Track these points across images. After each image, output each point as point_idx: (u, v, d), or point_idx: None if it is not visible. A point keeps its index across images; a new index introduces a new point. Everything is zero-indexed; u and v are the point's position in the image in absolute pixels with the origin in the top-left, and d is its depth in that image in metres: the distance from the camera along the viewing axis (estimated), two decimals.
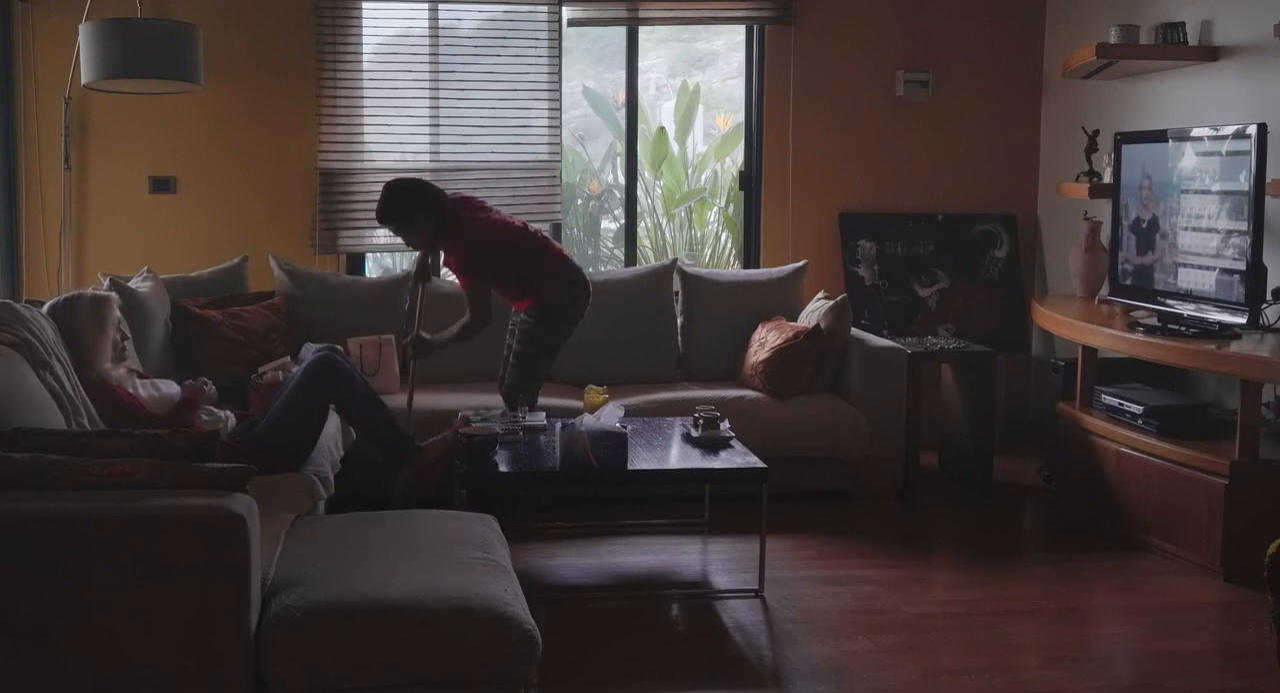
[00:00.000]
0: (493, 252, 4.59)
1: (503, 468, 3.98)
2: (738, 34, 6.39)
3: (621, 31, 6.10)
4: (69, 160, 5.62)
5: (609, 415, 4.05)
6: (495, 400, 4.76)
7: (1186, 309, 4.48)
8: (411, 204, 4.55)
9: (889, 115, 6.20)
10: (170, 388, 4.17)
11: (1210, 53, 4.99)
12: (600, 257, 7.77)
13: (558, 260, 4.73)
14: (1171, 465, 4.36)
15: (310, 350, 4.73)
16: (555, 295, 4.66)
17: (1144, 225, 4.82)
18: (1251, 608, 3.84)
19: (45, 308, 3.97)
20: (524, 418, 4.46)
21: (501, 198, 5.93)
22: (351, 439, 4.49)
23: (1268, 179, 4.20)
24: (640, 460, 4.08)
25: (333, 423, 4.27)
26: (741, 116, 6.41)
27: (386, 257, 6.96)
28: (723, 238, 7.49)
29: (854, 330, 5.34)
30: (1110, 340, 4.66)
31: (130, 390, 3.95)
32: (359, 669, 2.51)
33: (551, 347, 4.71)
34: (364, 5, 5.77)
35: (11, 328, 3.56)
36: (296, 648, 2.49)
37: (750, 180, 6.27)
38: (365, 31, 5.79)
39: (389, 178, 5.77)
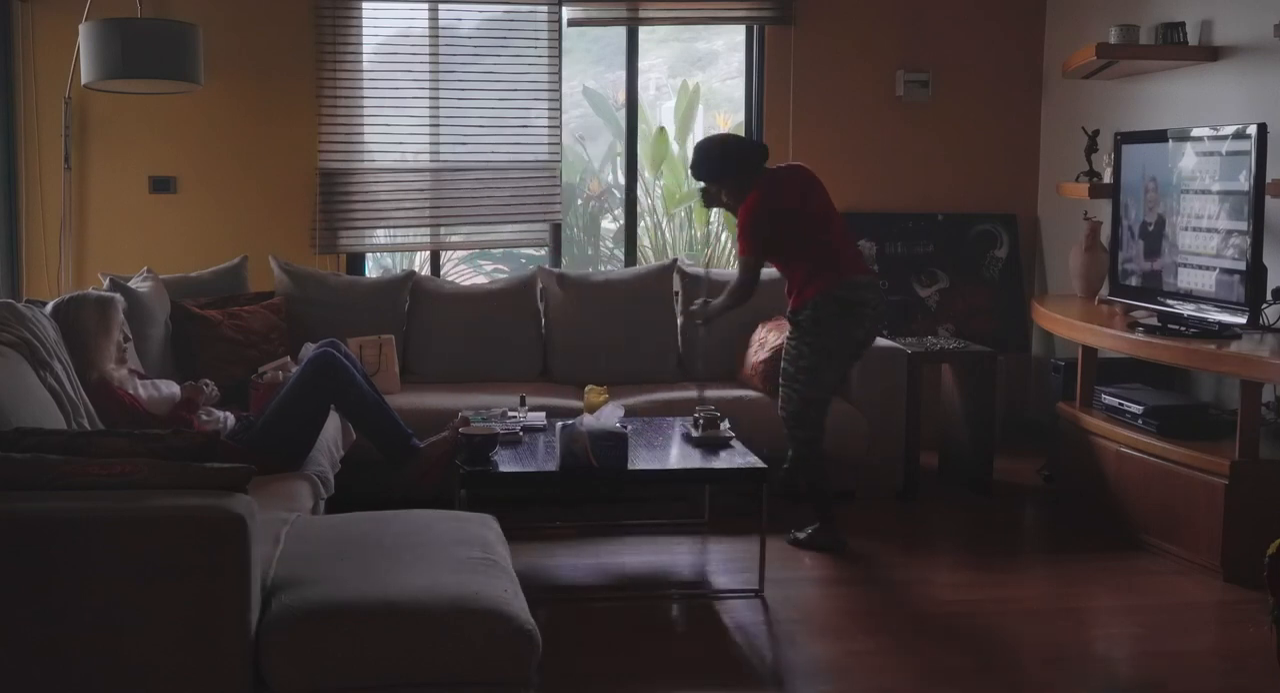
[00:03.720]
0: (765, 220, 4.41)
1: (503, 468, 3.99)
2: (738, 34, 6.39)
3: (621, 31, 6.10)
4: (69, 160, 5.62)
5: (609, 415, 4.04)
6: (495, 400, 4.75)
7: (1187, 309, 4.49)
8: (715, 170, 4.54)
9: (889, 115, 6.20)
10: (170, 388, 4.17)
11: (1210, 53, 4.99)
12: (600, 257, 7.78)
13: (837, 262, 4.39)
14: (1171, 465, 4.36)
15: (310, 351, 4.73)
16: (817, 299, 4.35)
17: (1144, 225, 4.82)
18: (1251, 608, 3.84)
19: (49, 307, 3.97)
20: (523, 417, 4.47)
21: (501, 198, 5.95)
22: (352, 439, 4.48)
23: (1268, 179, 4.20)
24: (640, 460, 4.07)
25: (333, 423, 4.27)
26: (741, 116, 6.40)
27: (386, 257, 6.97)
28: (723, 238, 7.49)
29: None
30: (1110, 340, 4.66)
31: (131, 392, 3.95)
32: (359, 669, 2.51)
33: (804, 368, 4.37)
34: (364, 5, 5.78)
35: (12, 328, 3.57)
36: (296, 648, 2.48)
37: None
38: (365, 31, 5.79)
39: (389, 178, 5.86)
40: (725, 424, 4.37)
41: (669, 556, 4.45)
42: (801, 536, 4.47)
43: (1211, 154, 4.43)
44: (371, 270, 6.29)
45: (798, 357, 4.39)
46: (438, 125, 5.91)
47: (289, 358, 4.66)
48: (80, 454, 2.60)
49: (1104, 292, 5.29)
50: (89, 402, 3.78)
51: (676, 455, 4.23)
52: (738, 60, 6.61)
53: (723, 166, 4.52)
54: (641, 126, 6.58)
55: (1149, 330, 4.53)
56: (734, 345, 5.42)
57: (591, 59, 7.69)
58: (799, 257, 4.43)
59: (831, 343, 4.36)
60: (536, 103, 5.96)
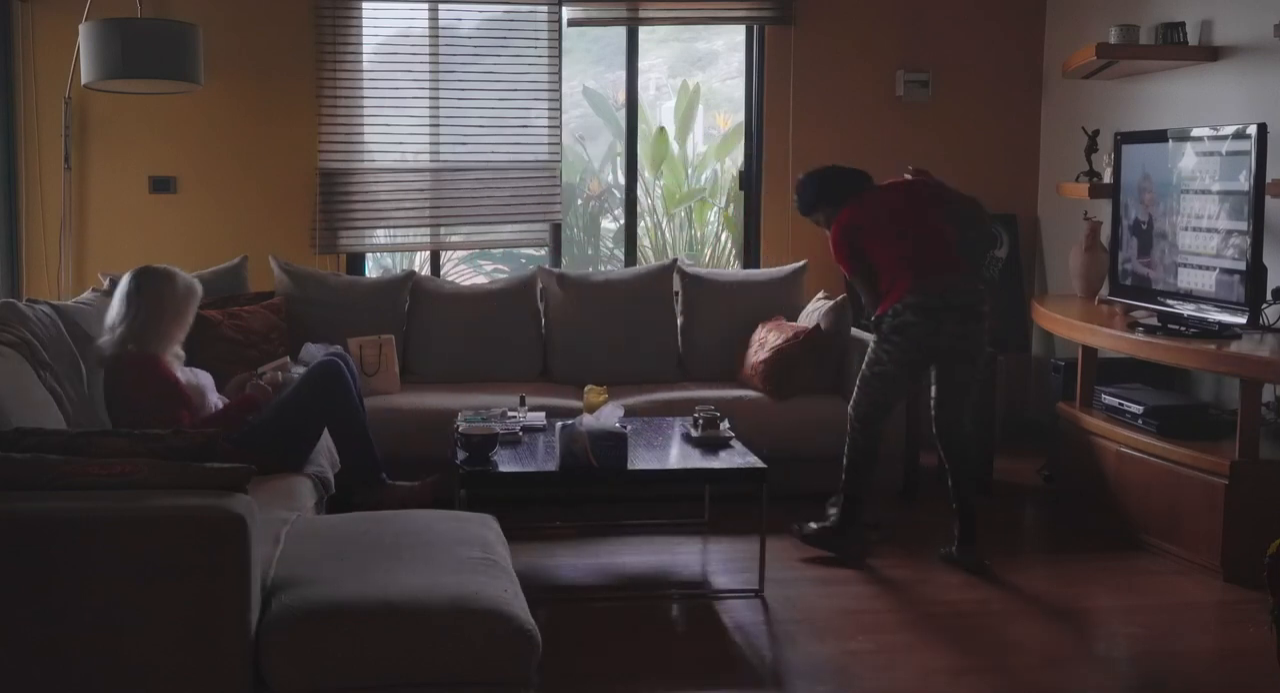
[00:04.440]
0: (845, 239, 4.42)
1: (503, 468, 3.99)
2: (738, 34, 6.39)
3: (621, 31, 6.10)
4: (69, 160, 5.62)
5: (609, 415, 4.04)
6: (495, 400, 4.75)
7: (1186, 309, 4.49)
8: (807, 203, 4.60)
9: (889, 115, 6.20)
10: (204, 378, 4.15)
11: (1210, 53, 4.99)
12: (600, 257, 7.78)
13: (921, 266, 4.32)
14: (1171, 465, 4.36)
15: (310, 350, 4.73)
16: (896, 306, 4.29)
17: (1144, 225, 4.82)
18: (1251, 608, 3.84)
19: (134, 273, 3.92)
20: (522, 417, 4.47)
21: (501, 198, 5.95)
22: None
23: (1268, 179, 4.20)
24: (640, 460, 4.07)
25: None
26: (741, 116, 6.41)
27: (386, 257, 6.97)
28: (723, 238, 7.49)
29: (854, 330, 5.34)
30: (1110, 340, 4.66)
31: (174, 372, 3.95)
32: (359, 669, 2.51)
33: (878, 374, 4.34)
34: (364, 5, 5.77)
35: (12, 328, 3.57)
36: (296, 648, 2.49)
37: (750, 180, 6.27)
38: (365, 31, 5.79)
39: (389, 178, 5.86)
40: (725, 424, 4.37)
41: (669, 556, 4.45)
42: (810, 530, 4.40)
43: (1211, 154, 4.43)
44: (371, 270, 6.29)
45: (874, 362, 4.36)
46: (438, 125, 5.91)
47: (288, 358, 4.66)
48: (80, 454, 2.60)
49: (1104, 292, 5.29)
50: (113, 371, 3.74)
51: (676, 455, 4.23)
52: (738, 60, 6.61)
53: (815, 197, 4.57)
54: (641, 126, 6.58)
55: (1149, 330, 4.53)
56: (734, 346, 5.42)
57: (591, 59, 7.69)
58: (884, 266, 4.37)
59: (906, 351, 4.28)
60: (536, 103, 5.96)
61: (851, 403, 4.45)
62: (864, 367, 4.42)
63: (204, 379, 4.14)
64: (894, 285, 4.33)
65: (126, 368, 3.79)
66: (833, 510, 4.49)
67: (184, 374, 4.04)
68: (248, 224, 5.76)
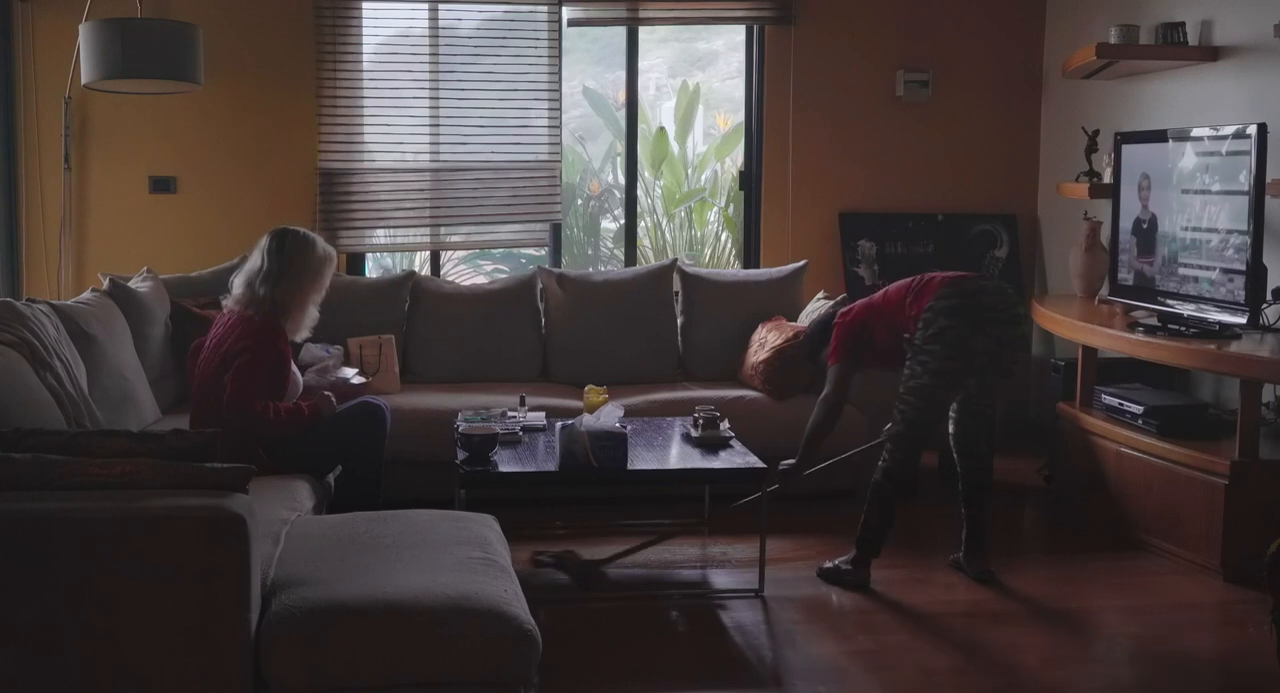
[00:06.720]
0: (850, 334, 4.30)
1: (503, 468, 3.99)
2: (738, 34, 6.39)
3: (621, 31, 6.10)
4: (69, 160, 5.62)
5: (609, 415, 4.04)
6: (495, 400, 4.75)
7: (1186, 309, 4.49)
8: (817, 343, 4.54)
9: (889, 115, 6.20)
10: (298, 377, 4.19)
11: (1210, 53, 4.99)
12: (600, 257, 7.78)
13: (936, 276, 4.11)
14: (1171, 465, 4.36)
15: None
16: (926, 314, 4.01)
17: (1144, 225, 4.82)
18: (1251, 608, 3.84)
19: (276, 233, 4.08)
20: (523, 417, 4.47)
21: (501, 198, 5.95)
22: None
23: (1268, 179, 4.20)
24: (640, 460, 4.07)
25: (337, 427, 4.26)
26: (741, 116, 6.41)
27: (386, 257, 6.97)
28: (723, 238, 7.49)
29: None
30: (1110, 340, 4.66)
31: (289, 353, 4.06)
32: (359, 669, 2.51)
33: (914, 388, 4.03)
34: (364, 5, 5.78)
35: (12, 328, 3.57)
36: (296, 648, 2.49)
37: (750, 180, 6.28)
38: (365, 31, 5.80)
39: (389, 178, 5.87)
40: (725, 424, 4.36)
41: (669, 556, 4.45)
42: (828, 565, 4.20)
43: (1211, 154, 4.43)
44: (371, 270, 6.29)
45: (909, 376, 4.05)
46: (438, 125, 5.91)
47: None
48: (80, 454, 2.60)
49: (1104, 292, 5.29)
50: (245, 320, 3.88)
51: (676, 455, 4.23)
52: (738, 60, 6.61)
53: (822, 336, 4.51)
54: (641, 126, 6.58)
55: (1149, 330, 4.53)
56: (734, 346, 5.42)
57: (591, 59, 7.69)
58: (898, 317, 4.16)
59: (942, 361, 3.97)
60: (536, 103, 5.96)
61: (890, 422, 4.16)
62: (900, 385, 4.10)
63: (298, 378, 4.19)
64: (920, 297, 4.06)
65: (260, 326, 3.93)
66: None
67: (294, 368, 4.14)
68: (248, 224, 5.74)
